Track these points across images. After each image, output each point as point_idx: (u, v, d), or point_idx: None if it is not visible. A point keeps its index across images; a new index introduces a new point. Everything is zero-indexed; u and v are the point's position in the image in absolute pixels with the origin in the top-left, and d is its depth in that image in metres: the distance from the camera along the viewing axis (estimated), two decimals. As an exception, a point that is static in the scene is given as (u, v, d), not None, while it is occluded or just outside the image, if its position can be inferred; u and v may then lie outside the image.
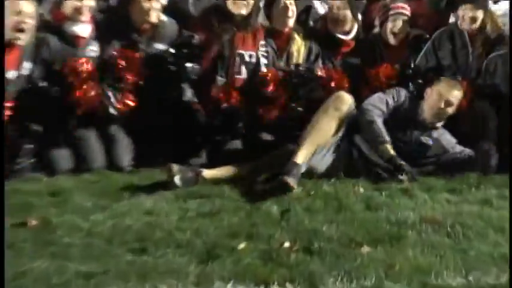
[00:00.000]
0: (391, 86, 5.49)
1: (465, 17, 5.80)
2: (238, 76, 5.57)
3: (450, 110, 5.32)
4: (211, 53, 5.55)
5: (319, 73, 5.49)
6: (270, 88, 5.41)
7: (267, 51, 5.62)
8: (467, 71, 5.74)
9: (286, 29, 5.69)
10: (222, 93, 5.40)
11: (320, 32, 6.05)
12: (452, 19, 6.16)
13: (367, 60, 5.85)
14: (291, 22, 5.65)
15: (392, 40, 5.99)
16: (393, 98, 5.35)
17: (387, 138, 5.06)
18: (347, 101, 5.10)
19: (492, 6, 6.20)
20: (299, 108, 5.44)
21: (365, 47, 6.01)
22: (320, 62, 5.71)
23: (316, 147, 4.91)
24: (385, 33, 6.00)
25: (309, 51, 5.74)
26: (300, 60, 5.68)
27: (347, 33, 6.01)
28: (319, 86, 5.45)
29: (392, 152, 5.01)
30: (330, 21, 6.03)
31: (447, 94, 5.32)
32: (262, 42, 5.67)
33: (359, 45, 6.01)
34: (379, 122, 5.14)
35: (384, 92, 5.37)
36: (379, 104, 5.24)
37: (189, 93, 5.40)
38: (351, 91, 5.35)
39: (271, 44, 5.67)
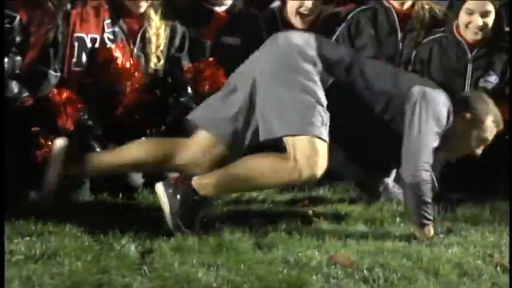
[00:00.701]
0: None
1: None
2: (77, 69, 4.77)
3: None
4: (40, 38, 4.65)
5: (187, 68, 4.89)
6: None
7: (113, 33, 4.82)
8: (396, 64, 5.08)
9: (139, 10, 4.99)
10: (59, 96, 4.55)
11: (184, 4, 5.33)
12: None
13: (251, 40, 4.97)
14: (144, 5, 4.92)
15: (298, 23, 5.25)
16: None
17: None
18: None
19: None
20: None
21: (246, 22, 5.26)
22: (186, 50, 4.99)
23: (226, 188, 4.15)
24: (287, 12, 5.28)
25: (172, 34, 4.96)
26: (161, 47, 4.89)
27: (221, 3, 5.33)
28: (190, 89, 4.75)
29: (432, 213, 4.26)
30: None
31: (488, 131, 4.38)
32: (108, 21, 4.84)
33: (236, 20, 5.28)
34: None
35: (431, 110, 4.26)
36: (433, 142, 4.21)
37: (14, 87, 4.52)
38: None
39: (120, 24, 4.87)
